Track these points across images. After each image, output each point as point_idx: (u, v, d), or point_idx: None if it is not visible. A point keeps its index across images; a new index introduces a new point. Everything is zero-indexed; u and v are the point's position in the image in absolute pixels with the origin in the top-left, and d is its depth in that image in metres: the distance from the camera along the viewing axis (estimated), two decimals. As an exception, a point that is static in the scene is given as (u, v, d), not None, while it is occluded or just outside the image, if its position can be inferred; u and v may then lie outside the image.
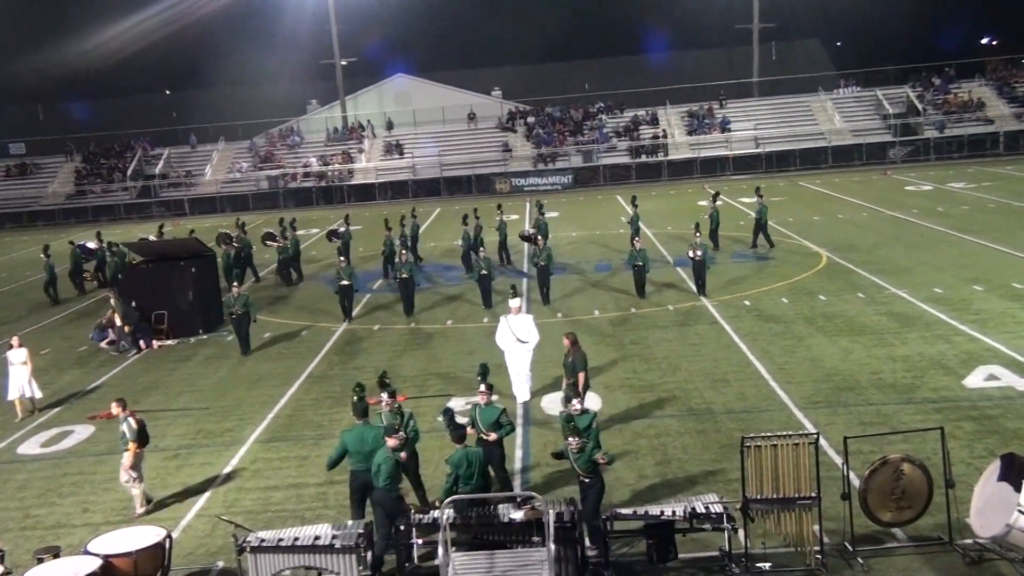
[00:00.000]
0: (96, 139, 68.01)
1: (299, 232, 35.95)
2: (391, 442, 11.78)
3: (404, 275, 26.39)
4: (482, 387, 13.38)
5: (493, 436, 13.09)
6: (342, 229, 34.76)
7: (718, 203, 33.13)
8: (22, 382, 19.62)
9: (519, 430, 16.55)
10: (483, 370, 13.84)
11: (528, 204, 36.03)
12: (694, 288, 25.99)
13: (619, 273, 29.96)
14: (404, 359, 22.00)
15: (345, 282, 25.86)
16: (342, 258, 26.58)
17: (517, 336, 17.65)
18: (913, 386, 17.40)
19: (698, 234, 25.79)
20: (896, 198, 42.55)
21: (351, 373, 21.04)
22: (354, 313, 26.69)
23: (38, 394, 20.03)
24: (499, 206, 34.81)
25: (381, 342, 23.61)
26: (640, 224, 32.67)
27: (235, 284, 23.91)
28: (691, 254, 25.59)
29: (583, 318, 24.49)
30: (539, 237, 27.37)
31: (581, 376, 16.10)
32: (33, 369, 19.94)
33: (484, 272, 26.17)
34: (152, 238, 34.74)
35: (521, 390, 18.07)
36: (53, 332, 27.80)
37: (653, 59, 73.41)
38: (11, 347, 19.98)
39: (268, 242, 35.04)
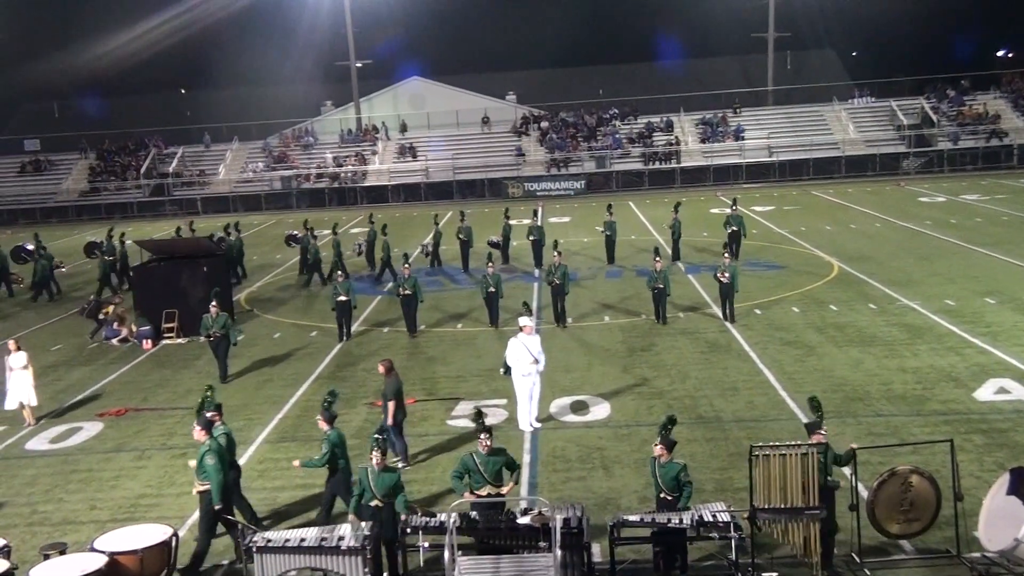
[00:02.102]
0: (110, 137, 68.26)
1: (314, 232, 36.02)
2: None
3: (407, 291, 23.96)
4: (375, 453, 11.62)
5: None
6: (300, 235, 34.77)
7: (679, 214, 32.79)
8: (23, 388, 18.68)
9: (527, 436, 16.53)
10: (379, 438, 11.92)
11: (540, 209, 36.05)
12: (719, 312, 24.13)
13: (630, 279, 29.96)
14: (413, 361, 22.00)
15: (343, 298, 23.83)
16: (339, 272, 25.02)
17: (534, 357, 16.64)
18: (923, 398, 17.33)
19: (727, 255, 24.59)
20: (909, 209, 42.42)
21: (360, 375, 21.07)
22: (363, 315, 26.73)
23: (34, 401, 18.97)
24: (462, 213, 34.67)
25: (390, 344, 23.59)
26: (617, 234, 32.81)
27: (213, 304, 21.18)
28: (719, 276, 23.53)
29: (593, 324, 24.46)
30: (556, 251, 25.08)
31: (391, 405, 15.25)
32: (35, 373, 19.23)
33: (492, 289, 24.30)
34: (98, 240, 35.11)
35: (526, 417, 16.95)
36: (64, 329, 27.88)
37: (668, 66, 73.40)
38: (9, 352, 18.99)
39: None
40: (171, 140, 67.18)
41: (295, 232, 36.02)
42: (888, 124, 61.24)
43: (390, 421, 15.26)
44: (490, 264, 24.99)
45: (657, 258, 24.06)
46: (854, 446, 11.59)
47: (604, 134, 62.53)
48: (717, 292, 24.14)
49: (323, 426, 13.04)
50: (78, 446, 17.65)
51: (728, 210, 33.44)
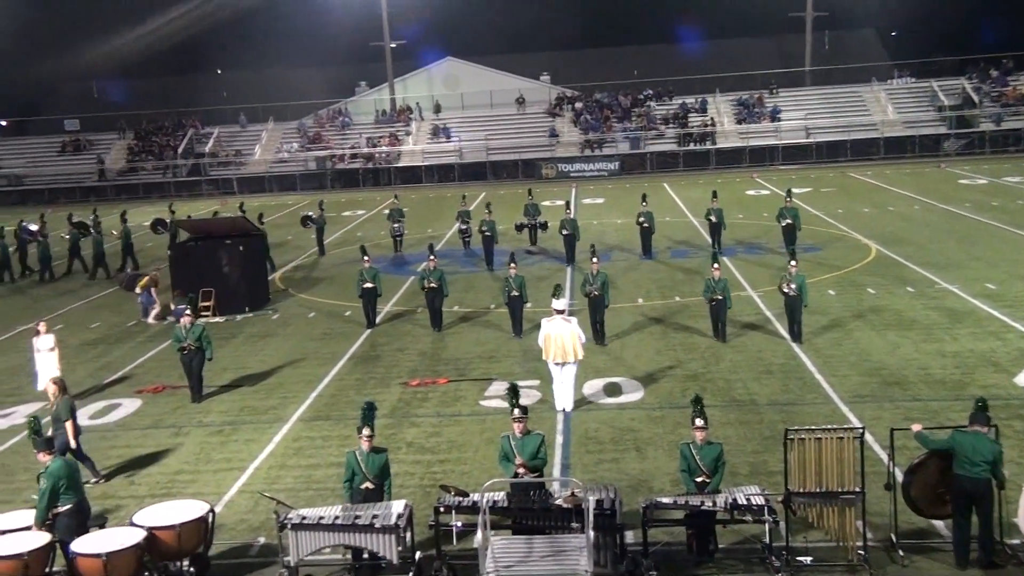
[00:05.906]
0: (148, 117, 68.91)
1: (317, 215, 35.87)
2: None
3: (432, 284, 22.59)
4: (365, 431, 11.59)
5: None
6: (315, 215, 34.73)
7: (716, 203, 30.57)
8: (50, 370, 18.50)
9: (560, 417, 16.51)
10: (367, 415, 11.77)
11: (573, 198, 35.81)
12: (785, 333, 20.69)
13: (664, 261, 29.83)
14: (447, 341, 22.04)
15: (368, 284, 23.12)
16: (366, 258, 23.72)
17: (573, 344, 16.41)
18: (962, 383, 17.11)
19: (793, 263, 20.22)
20: (949, 191, 41.83)
21: (394, 355, 21.14)
22: (397, 296, 26.81)
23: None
24: (488, 206, 32.25)
25: (424, 324, 23.58)
26: (655, 220, 31.23)
27: (187, 312, 19.48)
28: (784, 288, 19.93)
29: (626, 305, 24.36)
30: (595, 257, 21.58)
31: (69, 426, 14.45)
32: (61, 356, 19.37)
33: (515, 293, 21.60)
34: (34, 226, 35.45)
35: (565, 398, 16.82)
36: (102, 307, 28.23)
37: (703, 46, 72.62)
38: (37, 333, 19.27)
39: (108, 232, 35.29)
40: (207, 120, 67.73)
41: (310, 213, 36.18)
42: (928, 105, 60.34)
43: (73, 443, 14.50)
44: (512, 265, 22.04)
45: (715, 265, 20.79)
46: (915, 428, 11.40)
47: (638, 115, 62.13)
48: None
49: (42, 458, 11.45)
50: (117, 422, 17.88)
51: (784, 202, 30.04)
